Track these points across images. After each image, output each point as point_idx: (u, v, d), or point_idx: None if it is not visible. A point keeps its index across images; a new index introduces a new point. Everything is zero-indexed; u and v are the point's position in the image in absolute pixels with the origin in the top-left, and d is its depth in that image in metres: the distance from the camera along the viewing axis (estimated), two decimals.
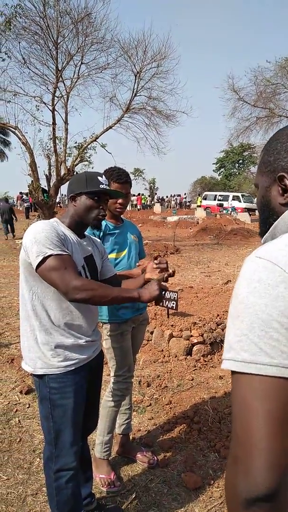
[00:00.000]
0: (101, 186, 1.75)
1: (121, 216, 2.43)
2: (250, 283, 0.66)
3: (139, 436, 2.85)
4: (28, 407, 3.22)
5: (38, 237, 1.58)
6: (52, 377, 1.68)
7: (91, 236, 2.00)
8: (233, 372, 0.65)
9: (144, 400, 3.33)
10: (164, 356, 4.08)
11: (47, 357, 1.67)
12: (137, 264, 2.40)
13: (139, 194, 38.37)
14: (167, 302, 4.93)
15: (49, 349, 1.67)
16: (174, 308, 4.34)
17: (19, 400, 3.33)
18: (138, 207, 35.49)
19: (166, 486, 2.36)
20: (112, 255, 2.29)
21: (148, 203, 39.41)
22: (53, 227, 1.66)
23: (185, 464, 2.54)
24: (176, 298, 4.19)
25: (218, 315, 4.57)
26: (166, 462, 2.55)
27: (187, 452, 2.67)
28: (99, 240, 2.07)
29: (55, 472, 1.72)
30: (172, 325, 4.31)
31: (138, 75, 14.06)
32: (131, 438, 2.73)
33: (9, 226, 15.31)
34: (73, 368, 1.71)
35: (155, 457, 2.57)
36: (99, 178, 1.76)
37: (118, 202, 2.29)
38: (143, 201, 37.61)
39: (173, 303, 4.25)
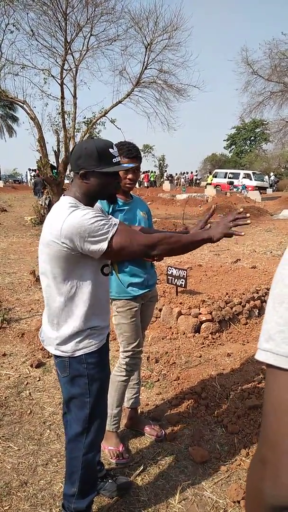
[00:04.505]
0: (114, 160, 1.63)
1: (131, 192, 2.39)
2: None
3: (147, 410, 2.90)
4: (38, 380, 3.27)
5: (88, 228, 1.48)
6: (89, 353, 1.68)
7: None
8: (269, 365, 0.59)
9: (152, 375, 3.37)
10: (173, 333, 4.11)
11: (86, 338, 1.67)
12: None
13: (146, 171, 37.99)
14: (176, 279, 4.90)
15: (89, 331, 1.67)
16: (183, 285, 4.36)
17: (29, 373, 3.39)
18: (146, 184, 35.24)
19: (173, 459, 2.41)
20: None
21: (156, 179, 39.03)
22: (85, 208, 1.56)
23: (192, 438, 2.58)
24: (185, 276, 4.20)
25: (227, 294, 4.56)
26: (174, 436, 2.59)
27: (194, 426, 2.71)
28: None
29: (86, 446, 1.73)
30: (180, 303, 4.32)
31: (149, 47, 13.67)
32: (139, 412, 2.78)
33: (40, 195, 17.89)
34: (104, 341, 1.76)
35: (163, 431, 2.61)
36: (111, 150, 1.62)
37: (128, 177, 2.24)
38: (151, 178, 37.26)
39: (182, 281, 4.28)
